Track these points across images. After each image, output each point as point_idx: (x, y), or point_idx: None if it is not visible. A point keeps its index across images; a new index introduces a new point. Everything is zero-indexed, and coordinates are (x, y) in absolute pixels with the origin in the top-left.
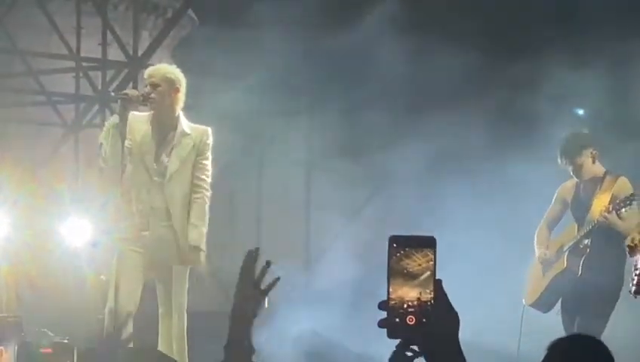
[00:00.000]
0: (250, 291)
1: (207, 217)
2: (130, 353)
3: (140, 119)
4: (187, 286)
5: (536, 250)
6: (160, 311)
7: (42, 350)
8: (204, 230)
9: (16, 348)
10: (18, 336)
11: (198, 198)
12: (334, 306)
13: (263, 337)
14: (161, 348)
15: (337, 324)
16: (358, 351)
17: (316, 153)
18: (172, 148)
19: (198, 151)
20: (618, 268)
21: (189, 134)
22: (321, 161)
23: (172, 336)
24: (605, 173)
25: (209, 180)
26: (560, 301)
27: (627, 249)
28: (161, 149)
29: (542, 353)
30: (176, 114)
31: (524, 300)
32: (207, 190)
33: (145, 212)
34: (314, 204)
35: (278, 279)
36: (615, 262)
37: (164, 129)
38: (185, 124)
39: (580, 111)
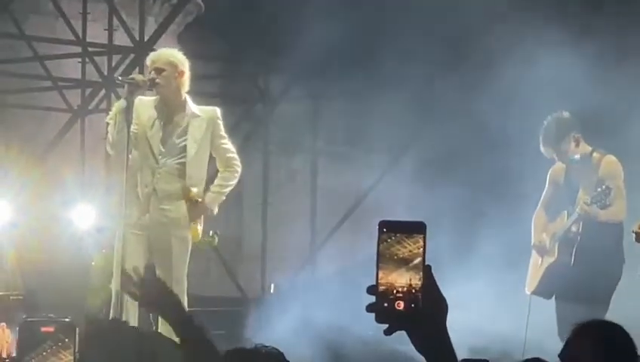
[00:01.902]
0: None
1: (227, 188)
2: (132, 335)
3: (146, 103)
4: (187, 269)
5: (532, 236)
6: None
7: (43, 329)
8: (221, 196)
9: (17, 328)
10: (20, 315)
11: (229, 169)
12: (339, 292)
13: (263, 321)
14: (160, 331)
15: (341, 310)
16: (362, 334)
17: (322, 139)
18: (184, 131)
19: (213, 132)
20: (613, 252)
21: (199, 116)
22: (326, 146)
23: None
24: (592, 152)
25: (237, 156)
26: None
27: (634, 235)
28: (169, 132)
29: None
30: (183, 97)
31: (526, 288)
32: (238, 166)
33: (148, 195)
34: (320, 189)
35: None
36: (609, 248)
37: (171, 112)
38: (193, 106)
39: (566, 114)
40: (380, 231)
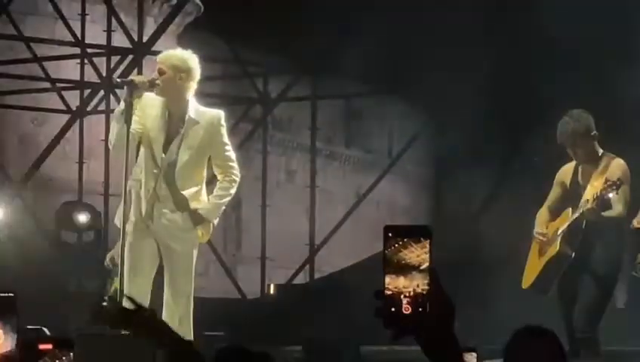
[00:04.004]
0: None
1: (226, 198)
2: (132, 340)
3: (152, 103)
4: (193, 271)
5: (535, 229)
6: (165, 295)
7: (41, 347)
8: (220, 208)
9: (14, 344)
10: (12, 315)
11: (226, 178)
12: (338, 292)
13: (262, 321)
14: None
15: (340, 311)
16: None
17: (320, 139)
18: (182, 139)
19: (213, 137)
20: (615, 250)
21: (198, 122)
22: (325, 146)
23: (176, 322)
24: (602, 155)
25: (236, 165)
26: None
27: (635, 230)
28: (170, 137)
29: None
30: (185, 101)
31: (522, 283)
32: (236, 175)
33: (151, 199)
34: (318, 189)
35: None
36: (611, 245)
37: (173, 117)
38: (194, 110)
39: (585, 112)
40: (386, 236)
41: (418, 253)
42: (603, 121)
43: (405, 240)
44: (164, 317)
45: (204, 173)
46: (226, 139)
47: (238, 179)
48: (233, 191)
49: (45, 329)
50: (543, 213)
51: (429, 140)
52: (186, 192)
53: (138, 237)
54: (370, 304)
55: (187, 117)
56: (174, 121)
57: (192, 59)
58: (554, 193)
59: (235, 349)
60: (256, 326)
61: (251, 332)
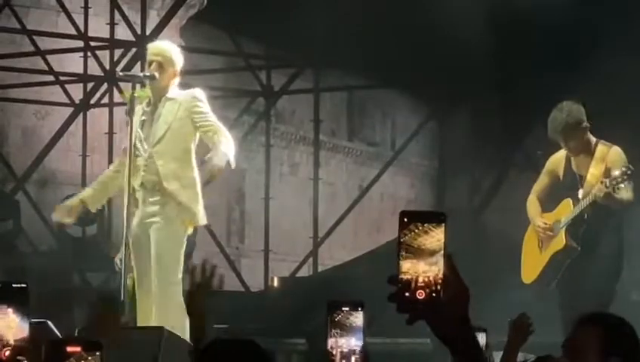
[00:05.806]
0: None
1: (228, 145)
2: (134, 333)
3: (139, 110)
4: (181, 261)
5: (534, 220)
6: (152, 283)
7: (69, 349)
8: (225, 155)
9: (27, 331)
10: (25, 304)
11: (208, 132)
12: (342, 285)
13: (265, 314)
14: (141, 322)
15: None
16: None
17: (324, 132)
18: (159, 117)
19: (189, 111)
20: (619, 240)
21: (173, 99)
22: (328, 139)
23: (158, 310)
24: (597, 143)
25: (215, 122)
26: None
27: None
28: (150, 122)
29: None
30: (167, 90)
31: (523, 278)
32: (226, 136)
33: (141, 189)
34: (321, 181)
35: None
36: (615, 235)
37: (155, 105)
38: (171, 92)
39: (576, 104)
40: (401, 221)
41: (433, 239)
42: (603, 111)
43: (419, 225)
44: (141, 305)
45: (190, 152)
46: (205, 108)
47: (224, 139)
48: (231, 144)
49: (50, 323)
50: (534, 203)
51: (433, 133)
52: (170, 171)
53: (135, 232)
54: (372, 297)
55: (164, 97)
56: (155, 110)
57: (178, 52)
58: (543, 181)
59: (223, 342)
60: (259, 319)
61: (255, 325)
